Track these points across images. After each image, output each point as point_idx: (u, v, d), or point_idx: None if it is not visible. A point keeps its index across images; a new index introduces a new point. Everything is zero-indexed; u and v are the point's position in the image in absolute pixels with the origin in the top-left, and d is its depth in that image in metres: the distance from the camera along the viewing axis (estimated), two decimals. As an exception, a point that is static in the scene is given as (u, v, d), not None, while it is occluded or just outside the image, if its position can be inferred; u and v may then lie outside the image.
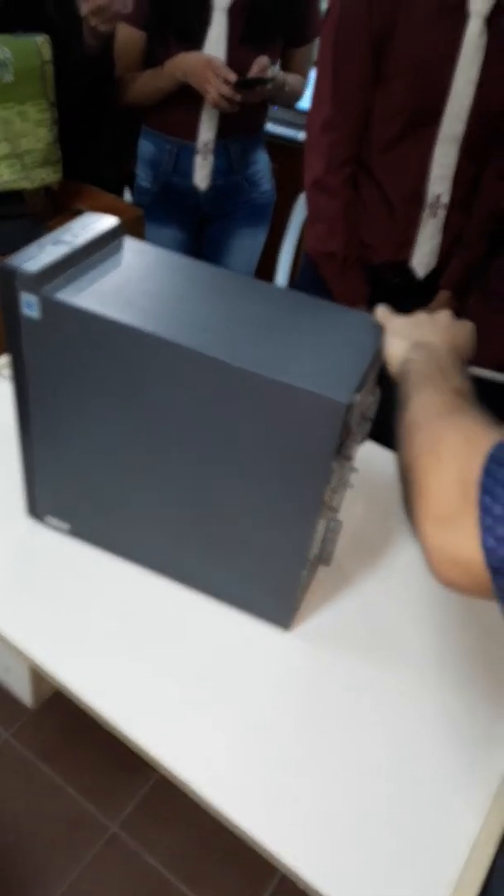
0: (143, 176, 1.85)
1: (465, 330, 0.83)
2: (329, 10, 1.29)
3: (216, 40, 1.60)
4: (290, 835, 0.77)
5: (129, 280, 0.85)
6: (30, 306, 0.82)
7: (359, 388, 0.74)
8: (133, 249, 0.91)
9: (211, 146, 1.73)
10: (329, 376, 0.74)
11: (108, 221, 0.91)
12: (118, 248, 0.91)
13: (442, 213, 1.39)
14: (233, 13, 1.58)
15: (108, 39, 1.61)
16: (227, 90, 1.54)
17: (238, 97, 1.56)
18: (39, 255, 0.83)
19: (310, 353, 0.78)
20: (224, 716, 0.86)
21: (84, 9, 1.51)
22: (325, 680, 0.91)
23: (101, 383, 0.84)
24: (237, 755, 0.83)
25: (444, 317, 0.84)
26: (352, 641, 0.96)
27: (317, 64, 1.37)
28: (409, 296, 1.48)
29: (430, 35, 1.22)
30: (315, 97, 1.36)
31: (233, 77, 1.54)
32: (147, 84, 1.68)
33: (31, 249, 0.84)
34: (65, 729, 1.53)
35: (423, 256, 1.44)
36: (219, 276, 0.90)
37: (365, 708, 0.89)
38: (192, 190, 1.81)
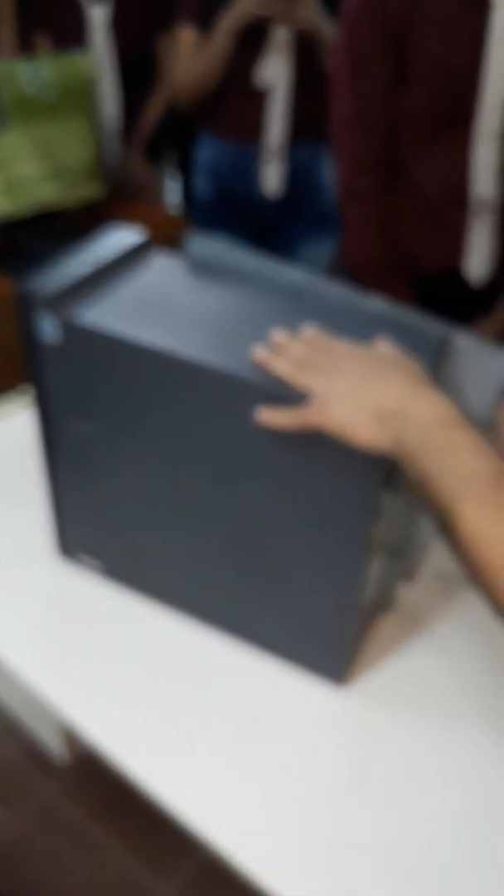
0: (200, 184, 1.79)
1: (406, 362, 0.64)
2: (342, 7, 1.22)
3: None
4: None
5: (154, 298, 0.78)
6: (49, 330, 0.76)
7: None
8: (162, 264, 0.84)
9: (282, 151, 1.66)
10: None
11: (134, 236, 0.84)
12: (146, 264, 0.84)
13: (490, 215, 1.27)
14: None
15: None
16: None
17: None
18: (59, 275, 0.77)
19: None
20: (268, 783, 0.76)
21: None
22: (382, 745, 0.80)
23: (126, 410, 0.77)
24: (282, 828, 0.73)
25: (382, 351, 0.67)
26: (420, 701, 0.84)
27: (333, 62, 1.30)
28: (467, 306, 1.37)
29: (451, 33, 1.14)
30: (335, 96, 1.29)
31: None
32: (203, 59, 1.60)
33: (52, 269, 0.78)
34: (111, 785, 1.43)
35: (476, 263, 1.32)
36: (256, 287, 0.82)
37: (426, 782, 0.77)
38: (256, 197, 1.73)
